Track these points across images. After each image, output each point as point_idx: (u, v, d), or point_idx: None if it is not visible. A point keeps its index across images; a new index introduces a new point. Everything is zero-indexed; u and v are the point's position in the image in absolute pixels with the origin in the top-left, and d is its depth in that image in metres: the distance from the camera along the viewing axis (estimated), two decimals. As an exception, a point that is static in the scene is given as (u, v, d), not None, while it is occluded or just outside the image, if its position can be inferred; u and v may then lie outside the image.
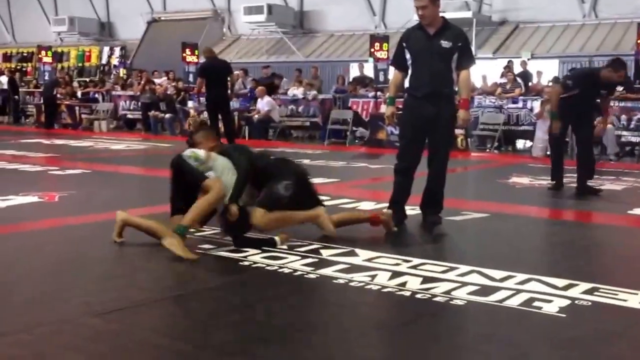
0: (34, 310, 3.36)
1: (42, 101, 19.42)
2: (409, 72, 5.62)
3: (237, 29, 25.37)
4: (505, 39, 19.86)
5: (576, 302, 3.57)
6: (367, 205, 6.45)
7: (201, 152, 4.92)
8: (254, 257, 4.40)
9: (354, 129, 15.15)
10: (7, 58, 29.50)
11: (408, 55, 5.59)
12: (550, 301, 3.57)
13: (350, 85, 17.23)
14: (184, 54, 18.64)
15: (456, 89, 5.65)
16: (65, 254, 4.62)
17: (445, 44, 5.44)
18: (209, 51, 12.67)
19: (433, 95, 5.49)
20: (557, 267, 4.37)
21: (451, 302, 3.54)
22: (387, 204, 6.25)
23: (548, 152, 10.27)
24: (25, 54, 28.88)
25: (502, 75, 15.32)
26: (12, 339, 2.93)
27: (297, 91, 16.75)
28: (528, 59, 17.12)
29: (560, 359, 2.91)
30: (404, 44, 5.64)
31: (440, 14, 5.59)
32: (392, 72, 5.85)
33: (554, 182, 7.76)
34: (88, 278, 3.97)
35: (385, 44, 15.68)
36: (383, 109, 15.10)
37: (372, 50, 15.79)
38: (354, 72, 19.26)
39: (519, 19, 20.01)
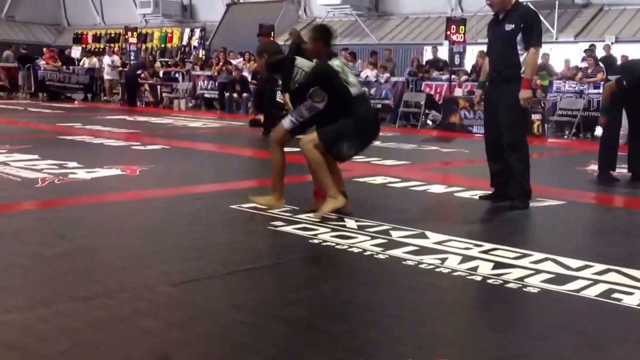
0: (116, 276, 3.51)
1: (124, 80, 20.06)
2: None
3: (312, 12, 25.47)
4: (589, 22, 19.22)
5: (659, 295, 3.42)
6: (436, 189, 6.42)
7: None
8: (324, 235, 4.46)
9: (427, 111, 15.02)
10: (96, 39, 30.64)
11: None
12: (630, 293, 3.44)
13: (423, 68, 17.08)
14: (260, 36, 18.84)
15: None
16: (146, 224, 4.82)
17: (508, 26, 5.59)
18: (297, 34, 12.90)
19: (495, 79, 5.75)
20: (637, 258, 4.20)
21: (524, 289, 3.48)
22: (457, 188, 6.34)
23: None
24: (113, 35, 29.88)
25: (583, 60, 14.88)
26: (95, 302, 3.08)
27: (370, 73, 16.70)
28: (612, 43, 16.54)
29: (640, 354, 2.80)
30: (488, 32, 6.01)
31: None
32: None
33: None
34: (166, 249, 4.11)
35: (462, 27, 15.46)
36: (457, 92, 14.95)
37: (448, 33, 15.58)
38: (427, 55, 19.07)
39: (603, 1, 19.31)
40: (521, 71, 5.60)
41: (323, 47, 5.05)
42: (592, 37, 17.95)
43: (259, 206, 5.21)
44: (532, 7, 6.02)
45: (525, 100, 5.61)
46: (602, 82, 13.11)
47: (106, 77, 21.18)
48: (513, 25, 5.55)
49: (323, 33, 5.12)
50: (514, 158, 5.66)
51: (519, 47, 5.56)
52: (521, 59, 5.58)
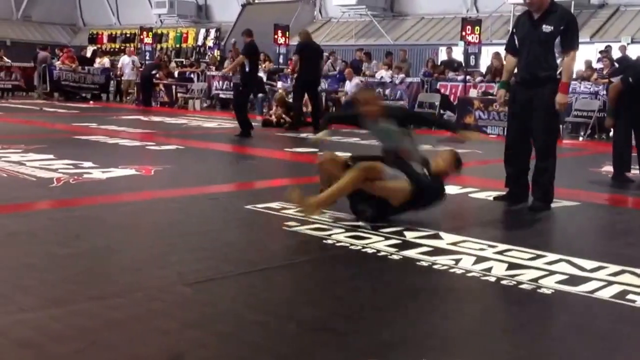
0: (131, 276, 3.53)
1: (139, 80, 20.12)
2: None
3: (327, 12, 25.48)
4: (605, 23, 19.11)
5: (673, 296, 3.41)
6: (451, 190, 6.38)
7: None
8: (338, 235, 4.45)
9: (442, 112, 14.99)
10: (111, 39, 30.83)
11: (517, 42, 5.75)
12: (644, 295, 3.42)
13: (438, 69, 17.05)
14: (276, 36, 18.88)
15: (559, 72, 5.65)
16: (161, 224, 4.83)
17: (546, 28, 5.47)
18: (306, 34, 13.00)
19: (528, 80, 5.59)
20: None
21: (538, 290, 3.47)
22: (471, 189, 6.34)
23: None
24: (128, 35, 30.04)
25: (599, 60, 14.79)
26: (110, 302, 3.09)
27: (385, 74, 16.69)
28: (628, 44, 16.43)
29: (654, 355, 2.79)
30: (514, 30, 5.83)
31: None
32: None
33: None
34: (180, 249, 4.12)
35: (477, 28, 15.42)
36: (472, 92, 14.91)
37: (464, 33, 15.54)
38: (442, 56, 19.04)
39: (620, 2, 19.19)
40: (557, 74, 5.56)
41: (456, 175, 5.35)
42: (608, 38, 17.84)
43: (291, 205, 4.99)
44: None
45: (562, 105, 5.55)
46: (607, 84, 13.00)
47: (125, 77, 21.17)
48: (552, 27, 5.44)
49: (459, 165, 5.34)
50: (544, 162, 5.60)
51: (556, 50, 5.48)
52: (558, 61, 5.52)
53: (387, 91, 16.26)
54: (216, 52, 25.69)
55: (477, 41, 15.51)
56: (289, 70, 17.08)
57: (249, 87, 12.03)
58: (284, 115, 13.63)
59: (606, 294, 3.44)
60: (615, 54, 15.13)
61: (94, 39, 31.21)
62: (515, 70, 5.83)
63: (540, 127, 5.57)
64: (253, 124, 12.05)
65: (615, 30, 18.57)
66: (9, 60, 21.77)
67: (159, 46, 26.75)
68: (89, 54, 26.25)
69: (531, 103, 5.55)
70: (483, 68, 16.20)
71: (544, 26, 5.48)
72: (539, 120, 5.55)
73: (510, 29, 6.02)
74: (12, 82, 21.34)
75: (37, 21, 32.29)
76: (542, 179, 5.62)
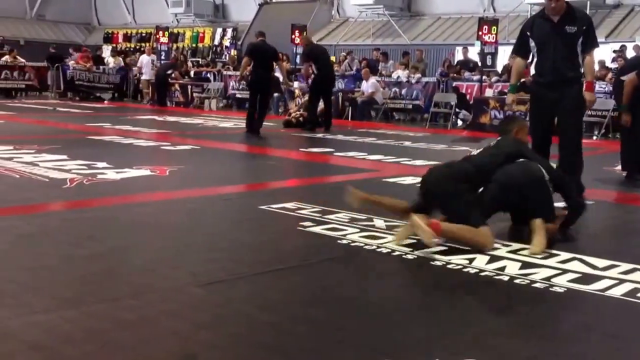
0: (144, 277, 3.52)
1: (154, 80, 20.12)
2: (535, 60, 5.87)
3: (345, 12, 25.47)
4: (619, 23, 18.99)
5: (684, 295, 3.40)
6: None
7: None
8: (353, 235, 4.44)
9: (457, 110, 14.94)
10: (127, 38, 30.88)
11: (532, 44, 5.77)
12: (656, 293, 3.41)
13: (454, 69, 17.00)
14: (293, 36, 18.87)
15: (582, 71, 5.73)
16: (175, 225, 4.82)
17: (569, 29, 5.56)
18: (307, 39, 13.18)
19: (556, 81, 5.66)
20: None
21: (551, 289, 3.47)
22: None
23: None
24: (144, 34, 30.09)
25: (614, 60, 14.69)
26: (122, 303, 3.09)
27: (401, 74, 16.65)
28: (643, 44, 16.31)
29: (666, 355, 2.78)
30: (528, 33, 5.81)
31: None
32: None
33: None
34: (194, 249, 4.12)
35: (494, 27, 15.37)
36: (488, 92, 14.84)
37: (480, 33, 15.48)
38: (459, 56, 18.98)
39: (635, 2, 19.05)
40: (581, 73, 5.66)
41: None
42: (623, 38, 17.74)
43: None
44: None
45: (591, 102, 5.74)
46: (612, 81, 12.76)
47: (144, 77, 21.06)
48: (575, 28, 5.56)
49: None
50: (575, 157, 5.69)
51: (577, 49, 5.61)
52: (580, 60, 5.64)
53: (404, 91, 16.24)
54: (233, 52, 25.71)
55: (493, 41, 15.44)
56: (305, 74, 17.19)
57: (252, 88, 12.09)
58: (301, 113, 13.63)
59: (618, 292, 3.45)
60: (630, 53, 15.01)
61: (109, 39, 31.25)
62: (532, 72, 5.89)
63: (571, 125, 5.72)
64: (269, 123, 12.07)
65: (629, 30, 18.45)
66: (23, 60, 21.81)
67: (175, 46, 26.79)
68: (104, 54, 26.31)
69: (557, 104, 5.64)
70: (499, 68, 16.12)
71: (567, 27, 5.57)
72: (570, 118, 5.69)
73: (523, 32, 5.95)
74: (26, 81, 21.34)
75: (51, 20, 32.34)
76: (575, 172, 5.65)
